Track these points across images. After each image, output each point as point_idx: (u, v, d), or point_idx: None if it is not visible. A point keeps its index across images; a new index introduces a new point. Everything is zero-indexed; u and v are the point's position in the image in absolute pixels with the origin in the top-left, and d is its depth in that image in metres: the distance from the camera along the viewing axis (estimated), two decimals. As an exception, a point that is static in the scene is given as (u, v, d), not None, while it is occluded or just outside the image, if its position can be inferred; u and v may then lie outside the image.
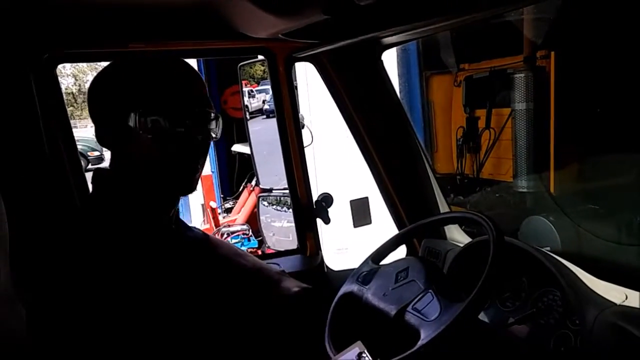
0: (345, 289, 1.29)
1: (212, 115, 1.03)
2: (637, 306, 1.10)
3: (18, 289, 1.09)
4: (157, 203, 1.04)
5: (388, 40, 1.50)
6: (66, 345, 0.83)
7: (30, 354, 0.86)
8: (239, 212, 5.01)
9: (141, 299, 0.88)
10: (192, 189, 1.04)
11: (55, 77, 1.36)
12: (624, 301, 1.14)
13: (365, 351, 0.96)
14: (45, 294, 0.87)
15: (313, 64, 1.60)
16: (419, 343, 0.97)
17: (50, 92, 1.33)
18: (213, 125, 1.04)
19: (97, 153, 13.52)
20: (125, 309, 0.86)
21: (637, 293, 1.16)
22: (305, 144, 1.70)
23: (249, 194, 4.97)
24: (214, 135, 1.05)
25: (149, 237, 0.98)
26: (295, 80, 1.68)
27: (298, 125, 1.64)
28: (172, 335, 0.91)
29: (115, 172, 1.03)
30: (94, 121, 1.03)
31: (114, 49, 1.40)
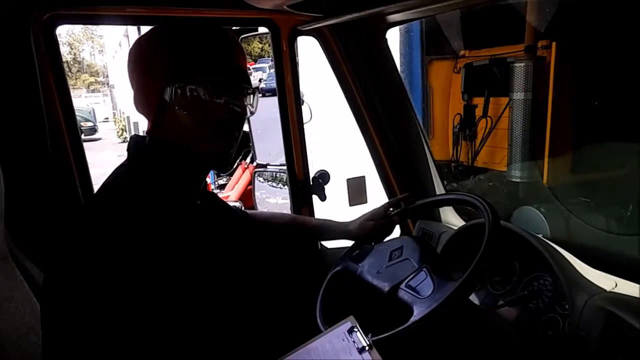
0: (338, 266, 1.29)
1: (250, 89, 1.03)
2: (627, 293, 1.12)
3: (13, 251, 1.09)
4: (188, 176, 1.03)
5: (393, 17, 1.48)
6: (84, 316, 0.81)
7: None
8: (232, 189, 5.01)
9: (156, 272, 0.86)
10: (227, 162, 1.03)
11: (55, 39, 1.33)
12: (613, 288, 1.15)
13: (357, 326, 0.96)
14: (61, 266, 0.85)
15: (316, 39, 1.59)
16: (412, 319, 0.97)
17: (49, 55, 1.30)
18: (250, 99, 1.04)
19: (90, 124, 13.43)
20: (141, 277, 0.84)
21: (627, 281, 1.18)
22: (304, 121, 1.69)
23: (243, 171, 4.97)
24: (251, 110, 1.04)
25: (173, 211, 0.96)
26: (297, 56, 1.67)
27: (299, 101, 1.62)
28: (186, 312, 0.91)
29: (151, 142, 1.00)
30: (132, 86, 1.01)
31: (113, 13, 1.37)
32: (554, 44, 3.34)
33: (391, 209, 1.38)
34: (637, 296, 1.08)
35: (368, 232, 1.34)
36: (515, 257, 1.37)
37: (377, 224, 1.34)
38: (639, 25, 2.53)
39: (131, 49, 1.01)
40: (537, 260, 1.27)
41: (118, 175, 0.98)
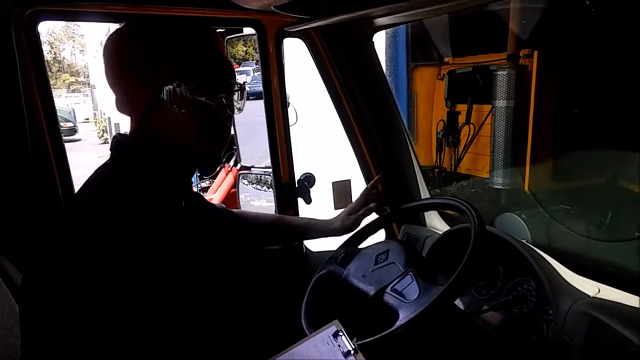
0: (323, 269, 1.28)
1: (237, 86, 1.02)
2: (610, 299, 1.13)
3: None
4: (174, 175, 1.01)
5: (380, 21, 1.48)
6: (63, 317, 0.79)
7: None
8: (215, 192, 4.96)
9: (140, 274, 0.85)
10: (218, 161, 1.03)
11: (37, 35, 1.30)
12: (597, 294, 1.16)
13: (342, 330, 0.95)
14: (41, 267, 0.83)
15: (303, 41, 1.58)
16: (397, 323, 0.97)
17: (31, 52, 1.27)
18: (237, 97, 1.03)
19: (70, 124, 13.22)
20: (124, 279, 0.82)
21: (610, 287, 1.19)
22: (290, 123, 1.67)
23: (226, 174, 4.92)
24: (238, 107, 1.04)
25: (158, 211, 0.94)
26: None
27: (285, 103, 1.61)
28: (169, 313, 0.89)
29: (136, 141, 0.98)
30: (111, 86, 0.98)
31: (96, 10, 1.35)
32: (535, 52, 3.40)
33: (374, 189, 1.45)
34: (620, 302, 1.09)
35: (350, 225, 1.39)
36: (499, 262, 1.37)
37: (357, 216, 1.40)
38: (618, 37, 2.58)
39: (108, 45, 0.98)
40: (521, 266, 1.27)
41: (100, 175, 0.95)
